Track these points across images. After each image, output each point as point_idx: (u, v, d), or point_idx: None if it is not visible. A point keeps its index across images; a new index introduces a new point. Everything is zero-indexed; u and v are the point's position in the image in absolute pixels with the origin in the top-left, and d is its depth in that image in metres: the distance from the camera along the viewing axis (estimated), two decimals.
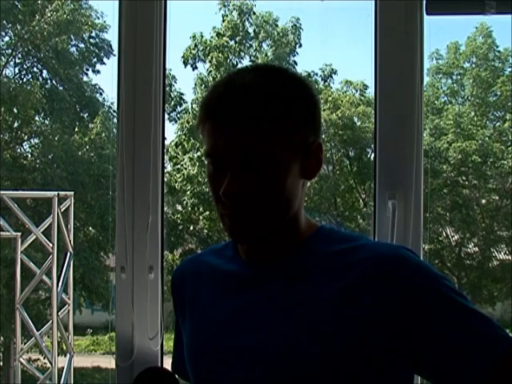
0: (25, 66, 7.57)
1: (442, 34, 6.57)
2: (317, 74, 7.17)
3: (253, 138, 1.07)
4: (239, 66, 7.12)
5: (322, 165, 1.15)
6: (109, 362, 2.57)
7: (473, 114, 7.22)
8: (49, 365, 3.97)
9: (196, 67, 7.16)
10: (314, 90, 1.17)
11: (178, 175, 7.07)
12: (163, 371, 1.31)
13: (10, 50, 7.50)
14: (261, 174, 1.08)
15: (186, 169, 7.02)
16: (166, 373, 1.29)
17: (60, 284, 3.84)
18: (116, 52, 2.31)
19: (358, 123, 7.20)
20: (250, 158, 1.08)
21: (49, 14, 7.21)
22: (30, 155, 7.54)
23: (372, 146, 6.09)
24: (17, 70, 7.55)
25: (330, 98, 7.08)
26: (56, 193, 3.85)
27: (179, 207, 7.25)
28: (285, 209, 1.12)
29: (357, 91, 7.27)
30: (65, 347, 4.49)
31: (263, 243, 1.15)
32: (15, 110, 7.32)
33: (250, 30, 7.31)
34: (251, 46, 7.36)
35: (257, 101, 1.08)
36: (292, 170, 1.11)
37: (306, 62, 7.28)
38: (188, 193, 6.98)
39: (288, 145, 1.10)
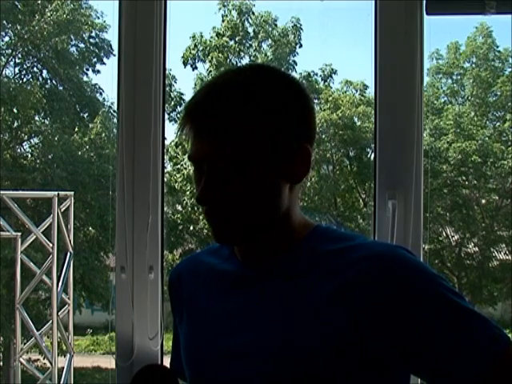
0: (25, 66, 7.57)
1: (442, 33, 6.58)
2: (317, 74, 7.18)
3: (228, 142, 1.06)
4: (239, 66, 7.12)
5: (308, 170, 1.13)
6: (109, 362, 2.57)
7: (473, 114, 7.22)
8: (49, 365, 3.97)
9: (196, 67, 7.17)
10: (306, 93, 1.15)
11: (178, 175, 7.08)
12: (162, 368, 1.31)
13: (10, 50, 7.50)
14: (236, 178, 1.08)
15: (185, 169, 7.02)
16: (164, 370, 1.29)
17: (60, 284, 3.84)
18: (116, 52, 2.31)
19: (358, 123, 7.21)
20: (225, 161, 1.07)
21: (49, 14, 7.21)
22: (30, 155, 7.54)
23: (372, 145, 6.09)
24: (17, 70, 7.55)
25: (330, 98, 7.09)
26: (56, 193, 3.85)
27: (179, 207, 7.26)
28: (263, 212, 1.11)
29: (357, 91, 7.28)
30: (65, 347, 4.49)
31: (252, 243, 1.14)
32: (15, 110, 7.32)
33: (250, 30, 7.31)
34: (251, 46, 7.36)
35: (234, 104, 1.07)
36: (269, 174, 1.09)
37: (305, 62, 7.29)
38: (188, 193, 6.98)
39: (266, 150, 1.08)
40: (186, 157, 7.00)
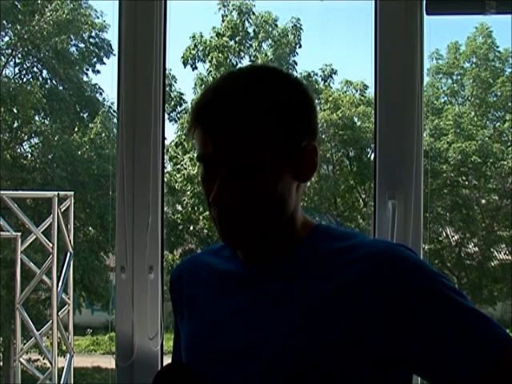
0: (25, 66, 7.58)
1: (442, 33, 6.58)
2: (317, 74, 7.19)
3: (242, 145, 1.07)
4: (239, 66, 7.13)
5: (316, 167, 1.14)
6: (109, 362, 2.57)
7: (473, 114, 7.23)
8: (49, 365, 3.97)
9: (196, 67, 7.17)
10: (310, 92, 1.16)
11: (178, 175, 7.08)
12: (184, 368, 1.26)
13: (9, 50, 7.50)
14: (251, 179, 1.08)
15: (185, 169, 7.02)
16: (186, 369, 1.24)
17: (60, 284, 3.84)
18: (116, 52, 2.31)
19: (358, 123, 7.21)
20: (240, 163, 1.07)
21: (48, 14, 7.22)
22: (29, 155, 7.55)
23: (372, 145, 6.09)
24: (17, 70, 7.56)
25: (330, 98, 7.09)
26: (56, 193, 3.85)
27: (179, 207, 7.26)
28: (277, 212, 1.11)
29: (357, 91, 7.28)
30: (65, 347, 4.49)
31: (258, 245, 1.15)
32: (15, 110, 7.32)
33: (250, 30, 7.32)
34: (251, 46, 7.36)
35: (247, 107, 1.08)
36: (283, 175, 1.10)
37: (306, 62, 7.29)
38: (188, 193, 6.99)
39: (279, 150, 1.09)
40: (186, 157, 7.01)
